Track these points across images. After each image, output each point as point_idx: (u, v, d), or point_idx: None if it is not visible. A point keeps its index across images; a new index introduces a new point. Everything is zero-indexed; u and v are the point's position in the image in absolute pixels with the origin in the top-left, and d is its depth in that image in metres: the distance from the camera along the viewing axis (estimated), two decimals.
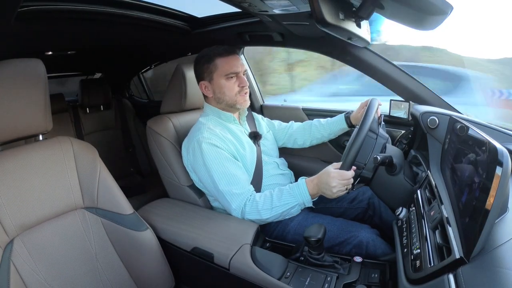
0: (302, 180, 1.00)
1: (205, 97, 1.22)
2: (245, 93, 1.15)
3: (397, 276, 0.69)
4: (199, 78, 1.17)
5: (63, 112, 2.10)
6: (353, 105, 1.35)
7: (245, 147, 1.14)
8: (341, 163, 0.95)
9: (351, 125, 1.31)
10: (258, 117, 1.40)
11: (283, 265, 0.85)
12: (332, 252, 0.95)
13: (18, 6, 0.87)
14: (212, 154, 1.04)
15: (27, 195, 0.83)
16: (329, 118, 1.39)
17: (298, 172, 1.41)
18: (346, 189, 0.94)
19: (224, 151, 1.05)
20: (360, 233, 0.97)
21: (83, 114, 2.20)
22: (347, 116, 1.31)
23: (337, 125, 1.34)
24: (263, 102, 1.84)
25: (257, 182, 1.12)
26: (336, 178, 0.91)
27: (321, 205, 1.26)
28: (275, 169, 1.22)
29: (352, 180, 0.93)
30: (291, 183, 1.24)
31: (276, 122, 1.46)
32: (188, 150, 1.11)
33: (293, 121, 1.47)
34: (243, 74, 1.15)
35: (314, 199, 1.00)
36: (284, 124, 1.46)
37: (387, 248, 0.95)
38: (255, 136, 1.21)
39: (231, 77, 1.12)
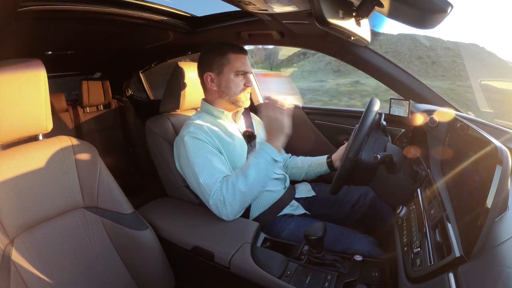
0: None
1: (205, 91, 1.21)
2: (248, 93, 1.18)
3: (398, 275, 0.69)
4: (207, 68, 1.15)
5: (63, 112, 2.10)
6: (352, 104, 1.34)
7: (235, 144, 1.12)
8: None
9: (332, 168, 1.28)
10: (258, 119, 1.40)
11: (283, 263, 0.85)
12: None
13: (18, 6, 0.87)
14: (194, 146, 1.03)
15: (27, 195, 0.83)
16: (313, 159, 1.35)
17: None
18: (282, 108, 0.98)
19: (208, 145, 1.04)
20: (355, 246, 0.95)
21: (83, 114, 2.20)
22: (329, 159, 1.29)
23: (318, 168, 1.32)
24: (263, 101, 1.84)
25: None
26: (262, 113, 0.99)
27: (322, 211, 1.24)
28: None
29: (277, 99, 0.99)
30: (285, 187, 1.23)
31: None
32: (175, 146, 1.12)
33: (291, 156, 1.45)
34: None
35: (281, 153, 1.03)
36: (285, 153, 1.44)
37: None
38: (249, 136, 1.20)
39: (240, 75, 1.14)
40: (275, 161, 0.99)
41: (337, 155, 1.26)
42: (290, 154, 1.45)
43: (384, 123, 0.99)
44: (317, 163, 1.31)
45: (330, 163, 1.28)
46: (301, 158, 1.40)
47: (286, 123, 0.98)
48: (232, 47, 1.14)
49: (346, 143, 1.21)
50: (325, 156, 1.31)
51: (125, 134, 2.38)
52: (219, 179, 0.99)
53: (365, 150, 0.93)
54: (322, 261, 0.85)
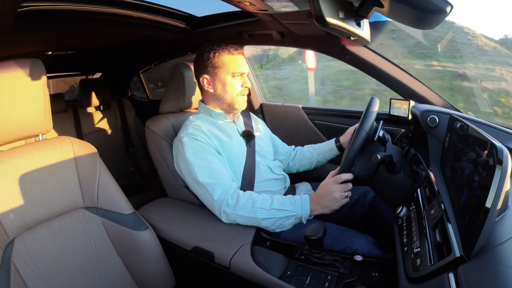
0: (306, 195, 1.00)
1: (203, 94, 1.20)
2: (245, 95, 1.16)
3: (398, 275, 0.69)
4: (202, 71, 1.13)
5: (63, 112, 2.10)
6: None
7: (234, 144, 1.12)
8: (337, 169, 0.96)
9: (342, 151, 1.30)
10: (257, 118, 1.39)
11: (283, 264, 0.85)
12: None
13: (18, 6, 0.87)
14: (193, 147, 1.02)
15: (27, 195, 0.83)
16: (320, 145, 1.38)
17: (295, 173, 1.42)
18: (346, 196, 0.94)
19: (206, 146, 1.03)
20: (355, 246, 0.95)
21: (83, 114, 2.20)
22: (337, 142, 1.31)
23: (329, 153, 1.34)
24: (263, 101, 1.84)
25: (248, 185, 1.09)
26: (334, 184, 0.93)
27: None
28: (268, 173, 1.18)
29: (350, 185, 0.94)
30: (285, 187, 1.23)
31: (279, 141, 1.44)
32: (174, 148, 1.12)
33: (296, 148, 1.45)
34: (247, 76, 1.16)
35: (310, 217, 0.99)
36: (287, 146, 1.44)
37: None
38: (247, 135, 1.19)
39: (237, 76, 1.12)
40: (301, 220, 0.97)
41: (345, 137, 1.28)
42: (293, 146, 1.45)
43: (381, 133, 0.98)
44: (327, 148, 1.34)
45: (340, 147, 1.31)
46: (307, 147, 1.40)
47: (336, 207, 0.95)
48: (226, 48, 1.10)
49: (356, 126, 1.20)
50: (333, 140, 1.34)
51: (125, 134, 2.38)
52: (232, 184, 0.99)
53: (359, 165, 0.94)
54: (322, 261, 0.85)
